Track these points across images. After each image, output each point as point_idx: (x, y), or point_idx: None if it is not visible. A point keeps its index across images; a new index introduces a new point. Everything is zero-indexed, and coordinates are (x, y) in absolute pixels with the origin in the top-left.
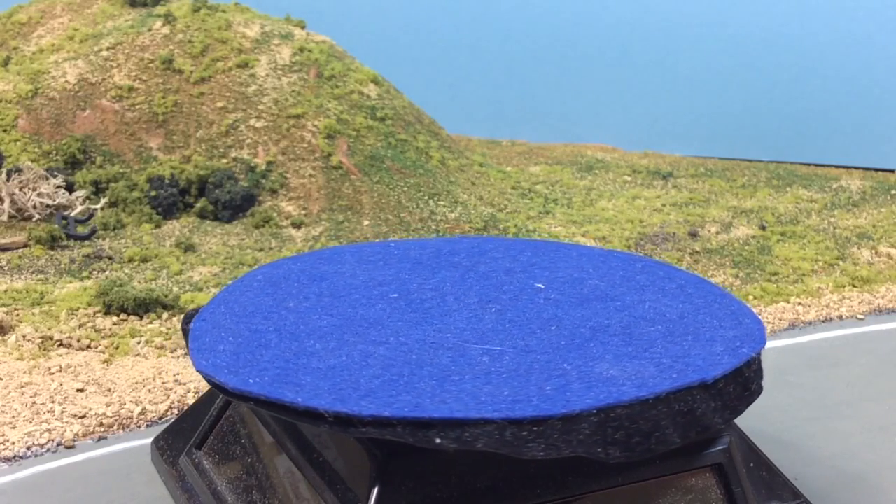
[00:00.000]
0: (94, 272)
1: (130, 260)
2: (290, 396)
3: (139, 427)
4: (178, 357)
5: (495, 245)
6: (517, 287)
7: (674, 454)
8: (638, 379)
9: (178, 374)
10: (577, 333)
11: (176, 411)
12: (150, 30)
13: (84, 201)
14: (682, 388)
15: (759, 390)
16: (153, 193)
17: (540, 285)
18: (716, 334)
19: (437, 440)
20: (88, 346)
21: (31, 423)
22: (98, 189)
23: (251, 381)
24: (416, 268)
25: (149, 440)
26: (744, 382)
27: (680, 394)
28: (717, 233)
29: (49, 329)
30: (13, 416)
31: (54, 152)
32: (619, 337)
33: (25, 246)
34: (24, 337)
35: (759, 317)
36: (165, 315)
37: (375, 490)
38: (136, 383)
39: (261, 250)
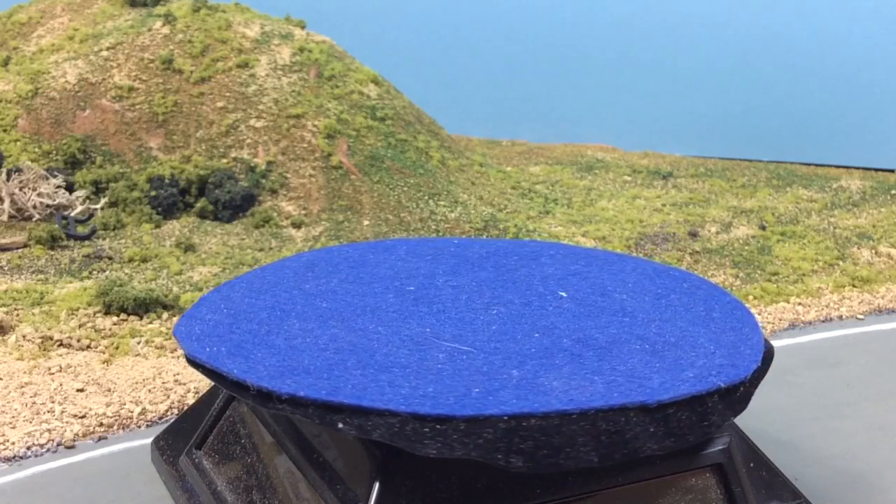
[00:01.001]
0: (94, 272)
1: (130, 260)
2: (227, 367)
3: (139, 427)
4: (178, 357)
5: (556, 251)
6: (540, 293)
7: (674, 454)
8: (574, 393)
9: (178, 374)
10: (556, 344)
11: (176, 411)
12: (150, 30)
13: (84, 201)
14: (615, 408)
15: (720, 422)
16: (153, 193)
17: (563, 294)
18: (698, 361)
19: (340, 425)
20: (88, 346)
21: (31, 423)
22: (98, 189)
23: (206, 350)
24: (458, 265)
25: (149, 440)
26: (701, 412)
27: (610, 413)
28: (717, 233)
29: (49, 329)
30: (13, 416)
31: (54, 152)
32: (596, 352)
33: (25, 246)
34: (24, 337)
35: (764, 351)
36: (165, 315)
37: (375, 490)
38: (136, 383)
39: (261, 250)
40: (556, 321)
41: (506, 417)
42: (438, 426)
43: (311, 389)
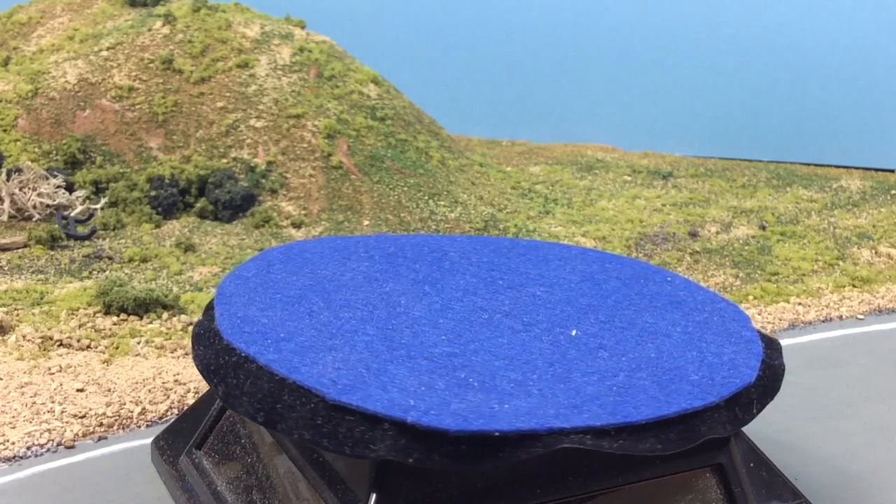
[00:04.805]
0: (94, 272)
1: (130, 260)
2: (219, 305)
3: (139, 427)
4: (178, 357)
5: (658, 277)
6: (560, 325)
7: (674, 454)
8: (321, 372)
9: (178, 374)
10: (425, 350)
11: (176, 411)
12: (150, 30)
13: (84, 201)
14: (310, 392)
15: (374, 455)
16: (153, 193)
17: (574, 332)
18: (586, 407)
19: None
20: (88, 346)
21: (31, 423)
22: (98, 189)
23: (222, 302)
24: (577, 281)
25: (149, 440)
26: (362, 434)
27: (304, 394)
28: (717, 233)
29: (49, 329)
30: (13, 416)
31: (54, 152)
32: (433, 363)
33: (25, 246)
34: (24, 337)
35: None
36: (165, 315)
37: (375, 490)
38: (136, 383)
39: (261, 250)
40: (492, 339)
41: (255, 363)
42: (226, 357)
43: (222, 316)
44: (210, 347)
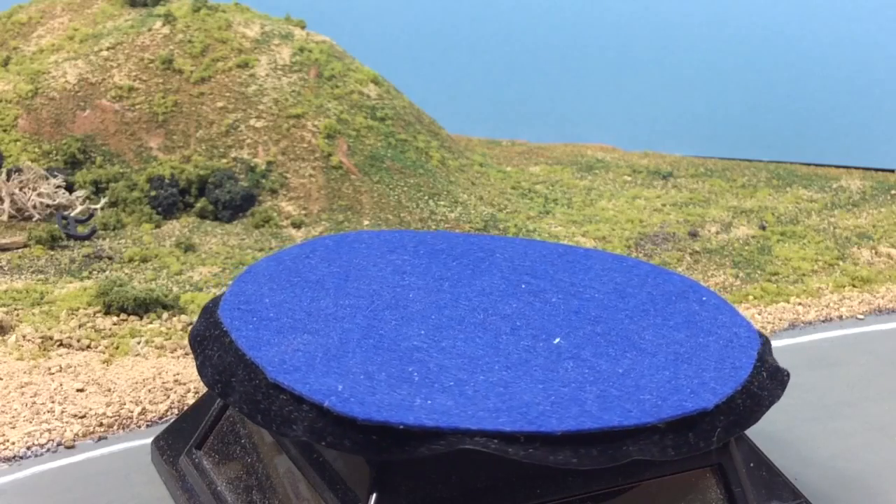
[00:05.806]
0: (94, 272)
1: (130, 260)
2: (236, 283)
3: (139, 427)
4: (178, 357)
5: (693, 296)
6: (559, 328)
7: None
8: (275, 353)
9: (178, 374)
10: (387, 344)
11: (176, 411)
12: (150, 30)
13: (84, 201)
14: (251, 364)
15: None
16: (153, 193)
17: (556, 340)
18: (508, 413)
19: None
20: (88, 346)
21: (31, 423)
22: (98, 189)
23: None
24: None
25: (149, 440)
26: (272, 402)
27: (250, 366)
28: (717, 233)
29: (49, 329)
30: (13, 416)
31: (54, 152)
32: (377, 353)
33: (25, 246)
34: (24, 337)
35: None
36: (165, 315)
37: (375, 490)
38: (136, 383)
39: (261, 250)
40: (469, 340)
41: (229, 337)
42: (212, 330)
43: (225, 304)
44: (205, 320)
